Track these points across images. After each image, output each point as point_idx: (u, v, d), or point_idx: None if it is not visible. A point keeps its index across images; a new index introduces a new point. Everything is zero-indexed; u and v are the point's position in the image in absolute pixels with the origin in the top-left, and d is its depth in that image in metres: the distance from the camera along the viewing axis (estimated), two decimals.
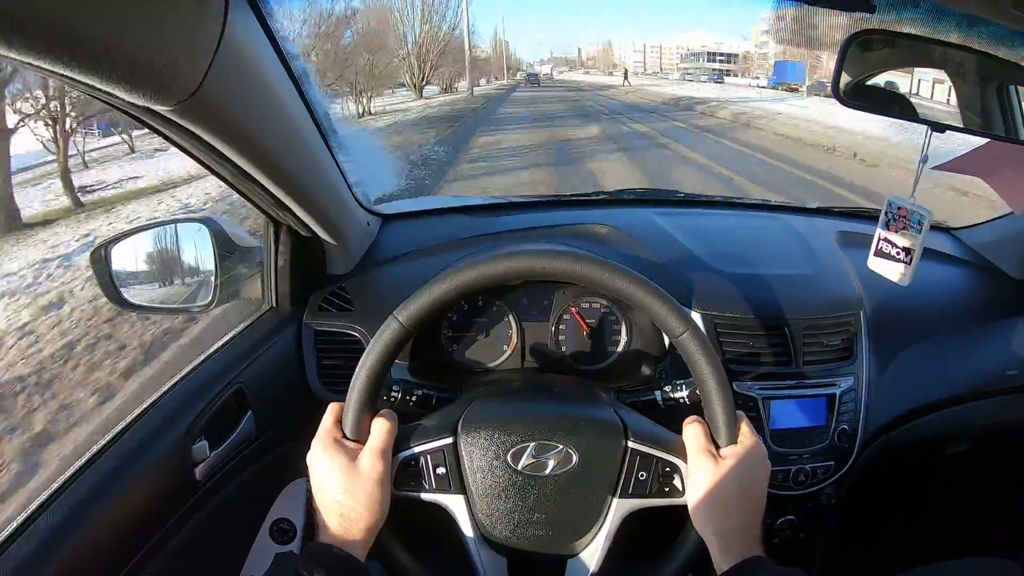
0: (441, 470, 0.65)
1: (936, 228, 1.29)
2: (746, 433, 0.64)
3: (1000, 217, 1.24)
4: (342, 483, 0.60)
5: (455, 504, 0.65)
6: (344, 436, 0.63)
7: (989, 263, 1.22)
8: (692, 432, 0.65)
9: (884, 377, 0.98)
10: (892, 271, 0.85)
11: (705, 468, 0.62)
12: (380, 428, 0.63)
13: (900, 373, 1.00)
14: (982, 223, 1.27)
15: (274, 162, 0.71)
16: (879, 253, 0.85)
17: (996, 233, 1.23)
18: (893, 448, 1.01)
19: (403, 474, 0.65)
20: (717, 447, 0.64)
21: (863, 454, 0.96)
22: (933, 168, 1.03)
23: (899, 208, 0.84)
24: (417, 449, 0.65)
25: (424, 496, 0.66)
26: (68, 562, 0.59)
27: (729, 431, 0.63)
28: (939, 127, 0.78)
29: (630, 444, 0.65)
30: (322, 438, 0.63)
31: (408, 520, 0.68)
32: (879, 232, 0.85)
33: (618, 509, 0.65)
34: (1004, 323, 1.13)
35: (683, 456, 0.65)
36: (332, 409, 0.65)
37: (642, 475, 0.65)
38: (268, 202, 0.81)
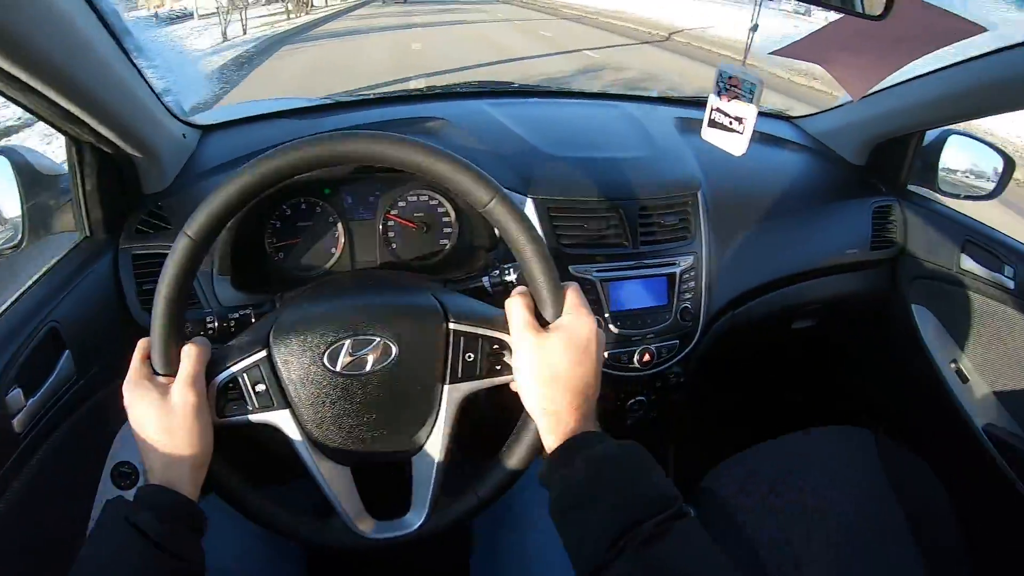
0: (261, 387, 0.60)
1: (776, 116, 1.34)
2: (574, 303, 0.60)
3: (839, 106, 1.28)
4: (157, 422, 0.57)
5: (282, 421, 0.61)
6: (155, 372, 0.59)
7: (829, 150, 1.27)
8: (514, 305, 0.60)
9: (725, 256, 1.02)
10: (726, 141, 0.85)
11: (529, 343, 0.58)
12: (188, 356, 0.58)
13: (741, 252, 1.04)
14: (821, 111, 1.32)
15: (50, 65, 0.62)
16: (712, 124, 0.85)
17: (836, 121, 1.28)
18: (739, 325, 1.06)
19: (223, 399, 0.61)
20: (545, 322, 0.60)
21: (708, 331, 1.00)
22: (770, 54, 1.06)
23: (730, 77, 0.83)
24: (233, 369, 0.60)
25: (251, 418, 0.61)
26: None
27: (554, 302, 0.59)
28: None
29: (451, 326, 0.62)
30: (131, 378, 0.59)
31: (246, 447, 0.65)
32: (711, 102, 0.84)
33: (451, 395, 0.62)
34: (843, 204, 1.19)
35: (508, 332, 0.61)
36: (140, 345, 0.60)
37: (469, 356, 0.62)
38: (57, 115, 0.72)
